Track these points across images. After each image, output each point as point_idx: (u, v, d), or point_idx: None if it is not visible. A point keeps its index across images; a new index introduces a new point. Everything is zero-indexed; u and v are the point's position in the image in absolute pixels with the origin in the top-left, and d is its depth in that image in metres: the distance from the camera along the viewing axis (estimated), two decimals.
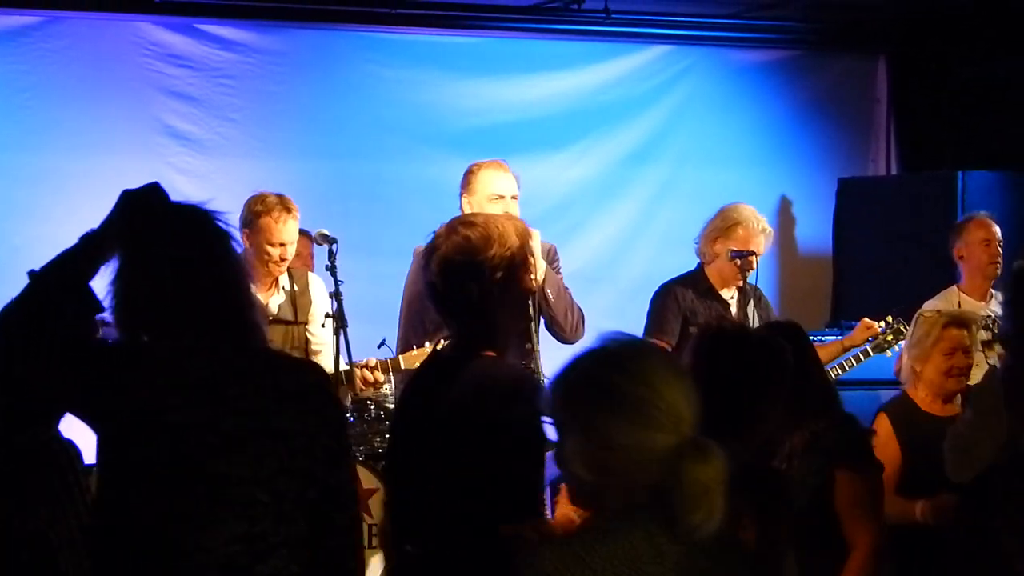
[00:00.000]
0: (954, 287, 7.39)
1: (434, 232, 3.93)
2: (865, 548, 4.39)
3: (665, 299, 6.61)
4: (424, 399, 3.81)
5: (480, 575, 3.61)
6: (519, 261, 3.83)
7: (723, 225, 6.67)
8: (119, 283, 3.13)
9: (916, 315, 5.62)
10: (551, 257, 6.06)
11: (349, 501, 3.19)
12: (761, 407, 3.74)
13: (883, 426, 5.44)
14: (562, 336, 6.00)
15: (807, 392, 4.45)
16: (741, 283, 6.63)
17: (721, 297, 6.64)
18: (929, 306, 7.25)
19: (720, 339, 3.83)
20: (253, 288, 3.22)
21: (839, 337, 7.05)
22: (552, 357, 6.10)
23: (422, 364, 4.07)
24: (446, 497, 3.68)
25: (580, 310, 6.02)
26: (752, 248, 6.60)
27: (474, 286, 3.76)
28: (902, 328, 6.76)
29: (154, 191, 3.30)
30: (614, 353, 2.80)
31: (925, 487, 5.22)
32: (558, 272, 6.06)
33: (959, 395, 5.47)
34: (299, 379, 3.16)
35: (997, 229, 7.38)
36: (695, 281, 6.67)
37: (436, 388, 3.77)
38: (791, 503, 4.01)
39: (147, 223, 3.26)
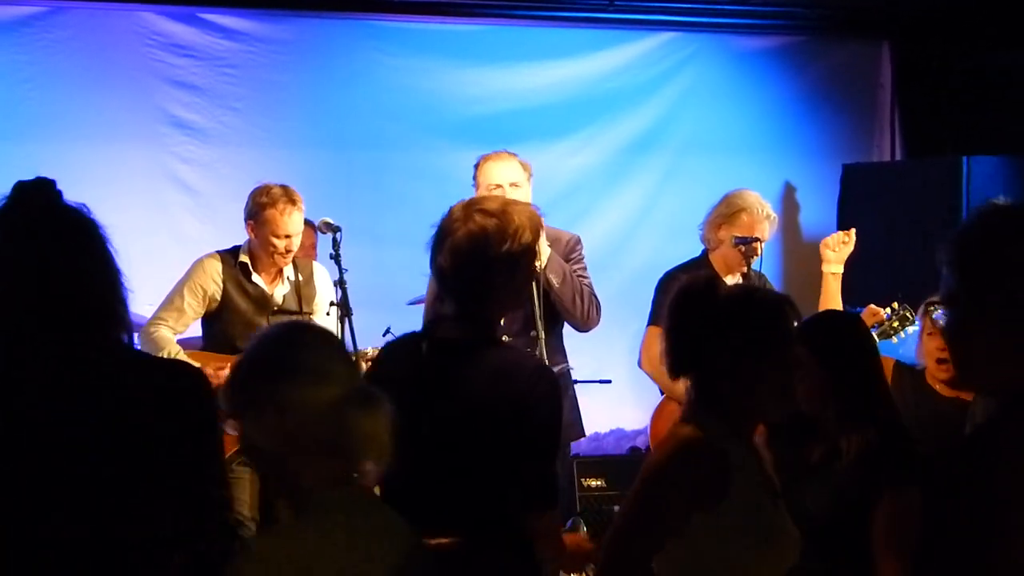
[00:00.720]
0: None
1: (450, 209, 3.93)
2: None
3: (668, 287, 6.60)
4: (439, 384, 3.82)
5: (510, 563, 3.68)
6: (529, 256, 3.91)
7: (727, 212, 6.67)
8: None
9: (925, 302, 5.60)
10: (570, 248, 6.08)
11: (209, 509, 3.03)
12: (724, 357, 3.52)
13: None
14: (573, 323, 6.01)
15: (864, 393, 4.27)
16: (745, 269, 6.63)
17: (726, 283, 6.63)
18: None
19: (688, 291, 3.71)
20: (124, 288, 3.07)
21: None
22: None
23: (414, 345, 3.99)
24: (476, 485, 3.75)
25: (594, 296, 6.02)
26: (756, 234, 6.61)
27: (482, 277, 3.79)
28: (908, 314, 6.75)
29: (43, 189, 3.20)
30: (273, 330, 3.11)
31: None
32: (579, 262, 6.06)
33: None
34: (155, 383, 3.00)
35: None
36: (699, 268, 6.66)
37: (452, 373, 3.80)
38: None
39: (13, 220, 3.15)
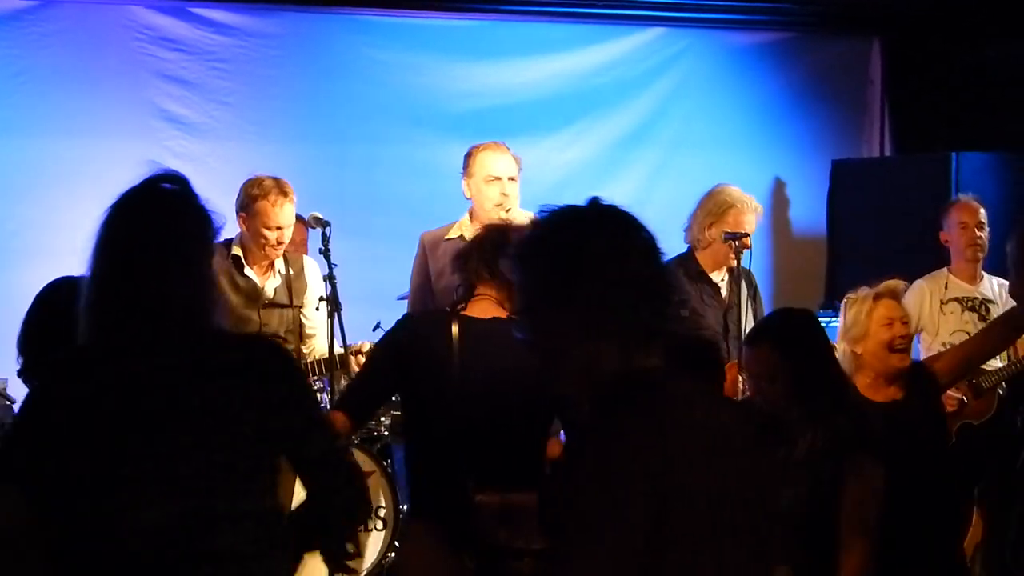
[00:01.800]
0: (944, 269, 7.42)
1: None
2: (857, 560, 4.26)
3: None
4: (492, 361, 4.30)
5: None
6: None
7: (716, 210, 6.67)
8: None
9: (844, 300, 5.31)
10: None
11: (325, 467, 3.11)
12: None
13: None
14: None
15: (828, 382, 4.42)
16: (734, 264, 6.63)
17: (711, 280, 6.64)
18: (917, 285, 7.28)
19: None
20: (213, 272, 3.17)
21: (835, 318, 7.02)
22: None
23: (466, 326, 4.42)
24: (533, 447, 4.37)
25: None
26: (745, 228, 6.62)
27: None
28: None
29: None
30: None
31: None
32: None
33: (900, 379, 5.13)
34: (231, 356, 3.07)
35: (979, 211, 7.40)
36: (685, 264, 6.66)
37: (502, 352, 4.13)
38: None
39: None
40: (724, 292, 6.64)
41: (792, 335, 4.49)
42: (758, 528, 2.58)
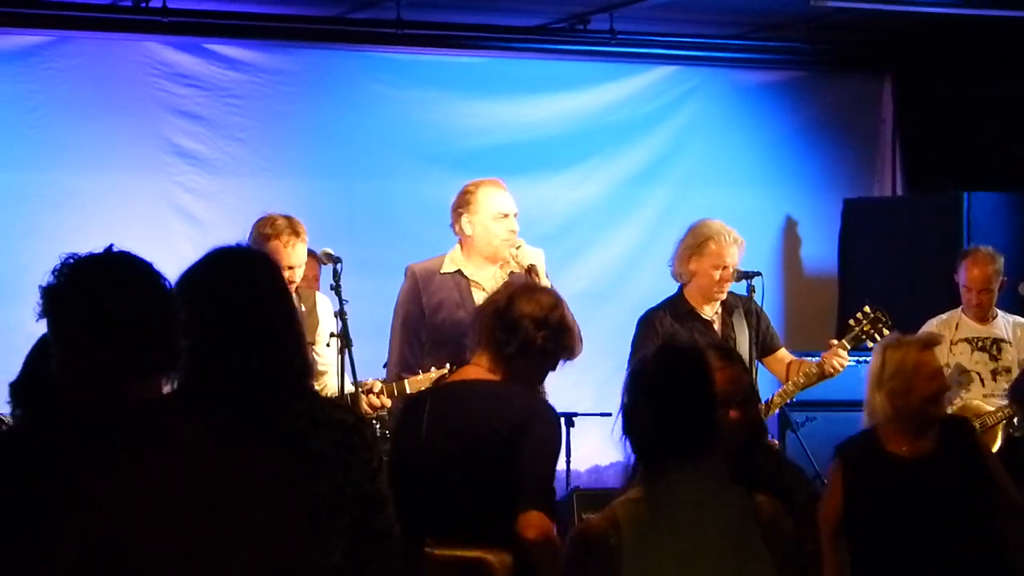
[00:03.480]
0: (958, 309, 7.41)
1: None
2: None
3: (644, 328, 6.60)
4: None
5: None
6: None
7: (694, 243, 6.63)
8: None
9: (883, 345, 5.13)
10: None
11: (387, 545, 3.10)
12: None
13: (835, 472, 5.10)
14: None
15: None
16: (723, 296, 6.60)
17: (702, 317, 6.61)
18: (930, 325, 7.27)
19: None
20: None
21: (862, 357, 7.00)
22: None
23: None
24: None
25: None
26: (726, 261, 6.57)
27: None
28: (880, 315, 6.69)
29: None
30: None
31: (886, 537, 4.92)
32: None
33: (931, 429, 4.99)
34: (338, 414, 3.10)
35: (988, 268, 7.34)
36: (674, 305, 6.64)
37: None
38: None
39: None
40: (718, 327, 6.61)
41: None
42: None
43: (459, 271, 6.03)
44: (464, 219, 6.02)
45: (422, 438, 4.32)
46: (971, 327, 7.33)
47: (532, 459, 4.24)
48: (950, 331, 7.29)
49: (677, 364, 3.51)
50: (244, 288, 3.07)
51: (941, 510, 4.79)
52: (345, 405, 3.35)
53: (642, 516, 3.34)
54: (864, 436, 5.12)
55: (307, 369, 3.13)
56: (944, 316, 7.38)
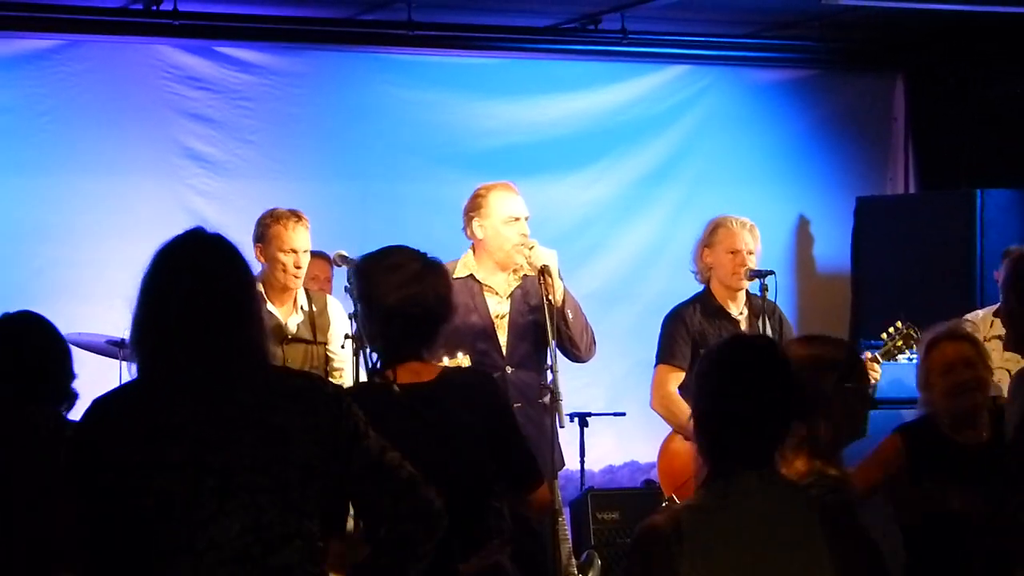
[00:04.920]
0: (992, 308, 7.34)
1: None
2: None
3: (674, 324, 6.57)
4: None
5: None
6: None
7: (705, 234, 6.63)
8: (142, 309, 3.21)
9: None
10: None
11: (395, 468, 3.25)
12: None
13: (892, 444, 5.16)
14: (576, 355, 6.00)
15: None
16: (744, 283, 6.57)
17: (730, 316, 6.60)
18: (964, 321, 7.24)
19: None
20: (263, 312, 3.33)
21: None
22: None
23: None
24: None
25: (591, 329, 6.03)
26: (738, 245, 6.54)
27: None
28: (912, 332, 6.69)
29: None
30: None
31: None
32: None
33: (979, 418, 5.07)
34: (295, 382, 3.25)
35: None
36: (703, 302, 6.61)
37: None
38: None
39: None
40: (744, 326, 6.59)
41: None
42: None
43: (471, 275, 6.02)
44: (475, 223, 6.02)
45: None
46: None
47: (516, 437, 4.12)
48: (986, 328, 7.25)
49: (753, 356, 3.35)
50: (216, 272, 3.20)
51: (993, 497, 4.75)
52: (296, 370, 3.42)
53: (704, 526, 3.20)
54: (926, 419, 5.21)
55: (266, 347, 3.25)
56: (984, 310, 7.33)
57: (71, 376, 4.42)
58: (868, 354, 6.69)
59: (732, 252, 6.55)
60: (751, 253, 6.58)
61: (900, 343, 6.72)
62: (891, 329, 6.77)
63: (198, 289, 3.16)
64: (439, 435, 3.89)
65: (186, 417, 3.09)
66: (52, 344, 4.44)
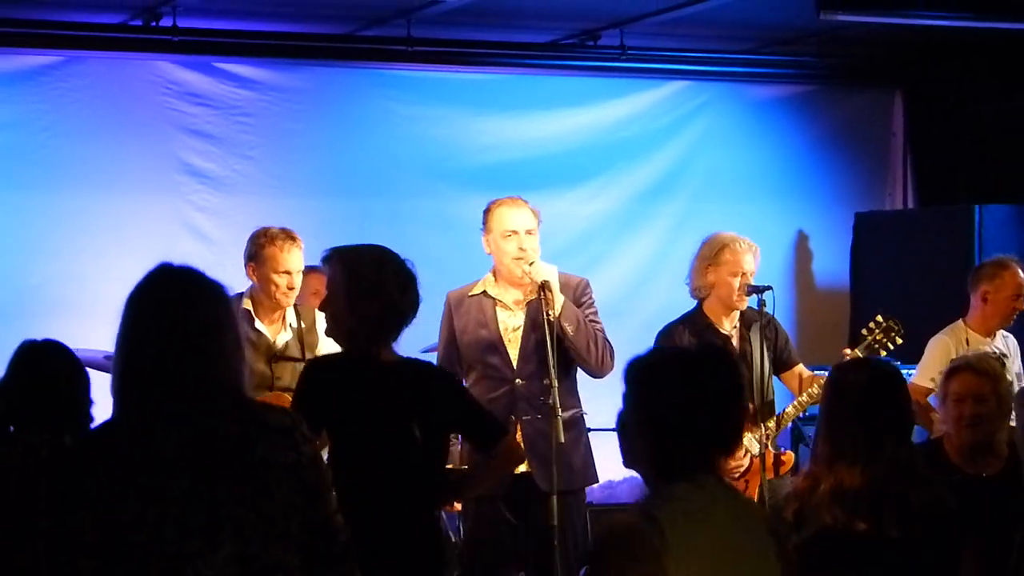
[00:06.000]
0: (960, 322, 7.34)
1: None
2: None
3: (664, 343, 6.59)
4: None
5: None
6: None
7: (710, 253, 6.61)
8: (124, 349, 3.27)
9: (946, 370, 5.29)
10: (580, 292, 6.06)
11: (337, 533, 3.33)
12: None
13: None
14: (588, 369, 6.01)
15: None
16: (743, 305, 6.57)
17: (720, 332, 6.60)
18: (935, 340, 7.24)
19: None
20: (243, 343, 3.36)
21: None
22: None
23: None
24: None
25: (607, 343, 6.02)
26: (743, 267, 6.54)
27: None
28: (893, 324, 6.68)
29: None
30: None
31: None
32: (589, 307, 6.06)
33: (993, 451, 5.07)
34: (277, 418, 3.31)
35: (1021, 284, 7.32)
36: (693, 321, 6.62)
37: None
38: None
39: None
40: (736, 342, 6.59)
41: None
42: None
43: (484, 292, 6.05)
44: (484, 239, 6.06)
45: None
46: (978, 340, 7.26)
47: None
48: (962, 345, 7.23)
49: (713, 360, 3.36)
50: (190, 303, 3.26)
51: (995, 531, 4.70)
52: (276, 406, 3.51)
53: (682, 520, 3.15)
54: (935, 444, 5.26)
55: (243, 380, 3.32)
56: (952, 327, 7.31)
57: (88, 402, 4.45)
58: (847, 351, 6.69)
59: (737, 275, 6.55)
60: (752, 274, 6.59)
61: (881, 336, 6.70)
62: (871, 324, 6.76)
63: (171, 328, 3.21)
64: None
65: (175, 451, 3.14)
66: (71, 372, 4.48)
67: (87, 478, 3.13)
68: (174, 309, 3.22)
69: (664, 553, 3.07)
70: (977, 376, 5.13)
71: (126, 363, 3.22)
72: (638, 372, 3.37)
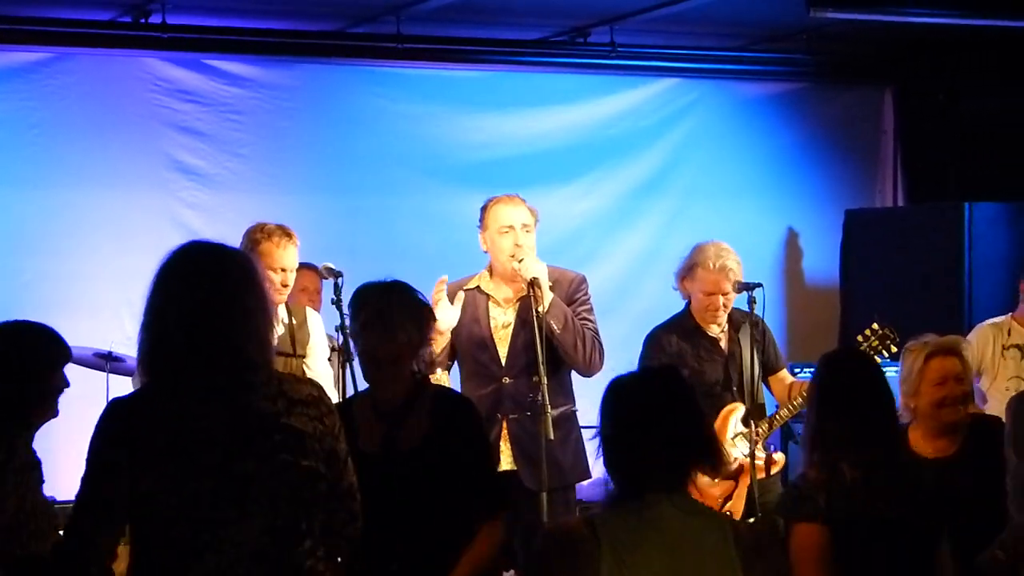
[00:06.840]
0: (1009, 315, 7.34)
1: None
2: None
3: (651, 348, 6.58)
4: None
5: None
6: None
7: (687, 265, 6.61)
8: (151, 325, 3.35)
9: (904, 348, 5.29)
10: (575, 288, 6.04)
11: (354, 496, 3.53)
12: None
13: None
14: (576, 368, 5.99)
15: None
16: (718, 320, 6.55)
17: (708, 335, 6.59)
18: (982, 328, 7.24)
19: None
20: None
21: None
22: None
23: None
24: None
25: (597, 340, 6.00)
26: (710, 289, 6.48)
27: None
28: (888, 332, 6.69)
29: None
30: None
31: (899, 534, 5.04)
32: (584, 303, 6.05)
33: (956, 432, 5.13)
34: (305, 390, 3.47)
35: None
36: (680, 323, 6.61)
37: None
38: None
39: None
40: (724, 343, 6.58)
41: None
42: None
43: (478, 287, 6.04)
44: (480, 236, 6.05)
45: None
46: (1022, 334, 7.28)
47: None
48: (1003, 336, 7.25)
49: (663, 384, 3.55)
50: (222, 278, 3.35)
51: (951, 513, 4.77)
52: (304, 378, 3.70)
53: (623, 530, 3.34)
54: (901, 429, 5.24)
55: (272, 355, 3.47)
56: (997, 319, 7.33)
57: (61, 380, 4.43)
58: None
59: (708, 294, 6.54)
60: (727, 295, 6.54)
61: (876, 343, 6.71)
62: (867, 331, 6.76)
63: (206, 300, 3.30)
64: None
65: (208, 425, 3.27)
66: (47, 345, 4.46)
67: (131, 443, 3.24)
68: (205, 282, 3.32)
69: (600, 560, 3.27)
70: (954, 357, 5.18)
71: (156, 337, 3.30)
72: (604, 393, 3.59)
